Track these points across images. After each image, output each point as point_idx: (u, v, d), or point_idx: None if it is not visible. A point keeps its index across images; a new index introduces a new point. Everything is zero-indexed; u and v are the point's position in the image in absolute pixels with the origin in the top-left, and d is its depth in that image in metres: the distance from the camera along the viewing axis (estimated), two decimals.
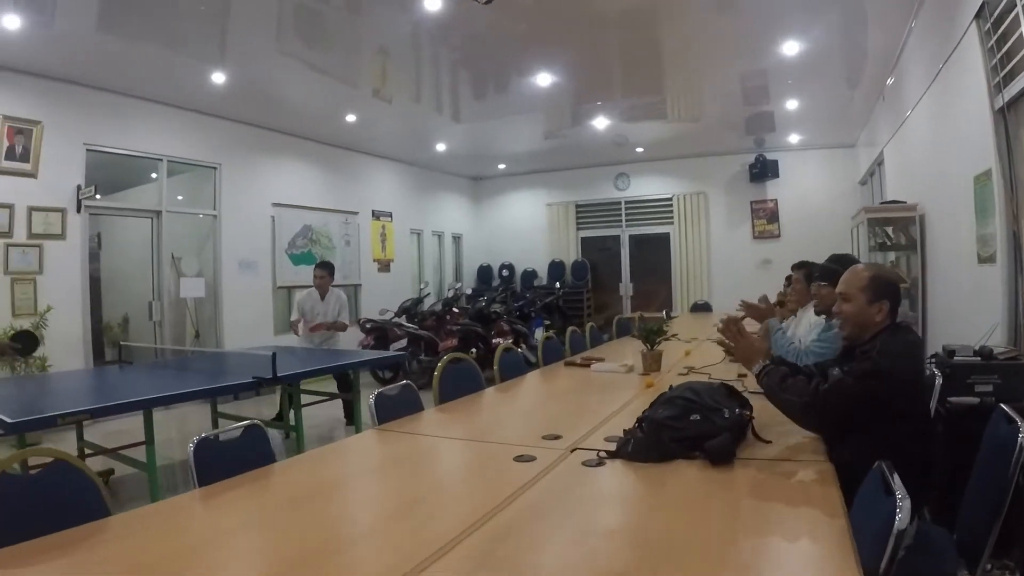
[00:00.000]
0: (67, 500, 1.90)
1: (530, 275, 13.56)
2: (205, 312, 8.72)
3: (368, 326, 9.62)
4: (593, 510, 1.86)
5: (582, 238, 13.59)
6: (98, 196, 6.93)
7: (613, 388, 3.64)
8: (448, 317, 10.02)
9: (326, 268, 6.78)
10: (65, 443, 5.24)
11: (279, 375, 4.55)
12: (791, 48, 6.52)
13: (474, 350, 9.47)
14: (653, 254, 12.90)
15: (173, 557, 1.59)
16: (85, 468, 2.00)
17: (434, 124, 9.83)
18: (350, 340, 9.55)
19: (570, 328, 5.78)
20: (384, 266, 11.72)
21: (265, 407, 6.60)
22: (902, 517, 1.25)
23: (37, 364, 6.15)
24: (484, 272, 14.04)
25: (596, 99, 8.65)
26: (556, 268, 13.33)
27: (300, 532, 1.74)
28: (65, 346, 6.61)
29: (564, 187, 13.56)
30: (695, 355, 4.60)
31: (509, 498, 1.88)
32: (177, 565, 1.54)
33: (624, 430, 2.48)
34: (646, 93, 8.44)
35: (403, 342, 9.40)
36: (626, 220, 13.20)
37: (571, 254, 13.46)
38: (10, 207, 6.31)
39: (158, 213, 8.01)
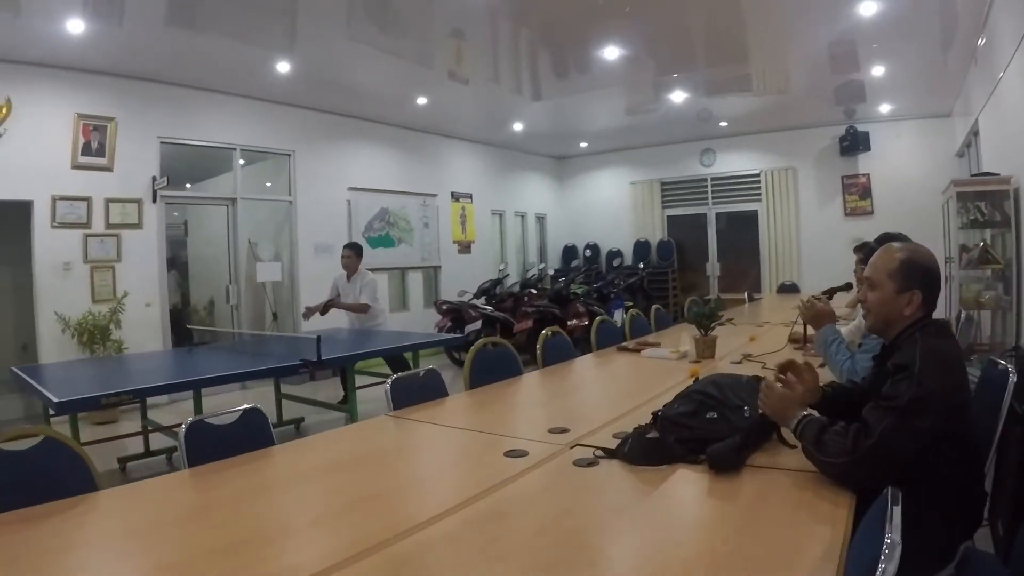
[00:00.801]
0: (55, 476, 1.93)
1: (615, 255, 13.20)
2: (283, 296, 8.88)
3: (444, 307, 9.57)
4: (556, 517, 1.62)
5: (667, 216, 13.08)
6: (187, 186, 7.09)
7: (656, 376, 3.35)
8: (526, 298, 9.86)
9: (352, 248, 6.65)
10: (136, 421, 5.43)
11: (324, 359, 4.49)
12: (868, 8, 5.92)
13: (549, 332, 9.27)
14: (741, 233, 12.26)
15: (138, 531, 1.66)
16: (74, 445, 2.02)
17: (512, 103, 9.63)
18: (426, 322, 9.53)
19: (631, 310, 5.48)
20: (464, 247, 11.66)
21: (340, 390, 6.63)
22: (886, 569, 0.96)
23: (113, 347, 6.37)
24: (569, 252, 13.79)
25: (674, 71, 8.20)
26: (641, 248, 12.89)
27: (238, 521, 1.70)
28: (143, 329, 6.89)
29: (648, 164, 13.07)
30: (762, 340, 4.21)
31: (472, 499, 1.70)
32: (147, 536, 1.62)
33: (637, 425, 2.22)
34: (728, 63, 7.93)
35: (478, 324, 9.31)
36: (712, 197, 12.60)
37: (656, 233, 12.98)
38: (88, 200, 6.60)
39: (233, 200, 8.20)
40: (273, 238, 9.00)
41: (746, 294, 8.20)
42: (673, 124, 11.07)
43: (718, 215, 12.59)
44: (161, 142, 7.29)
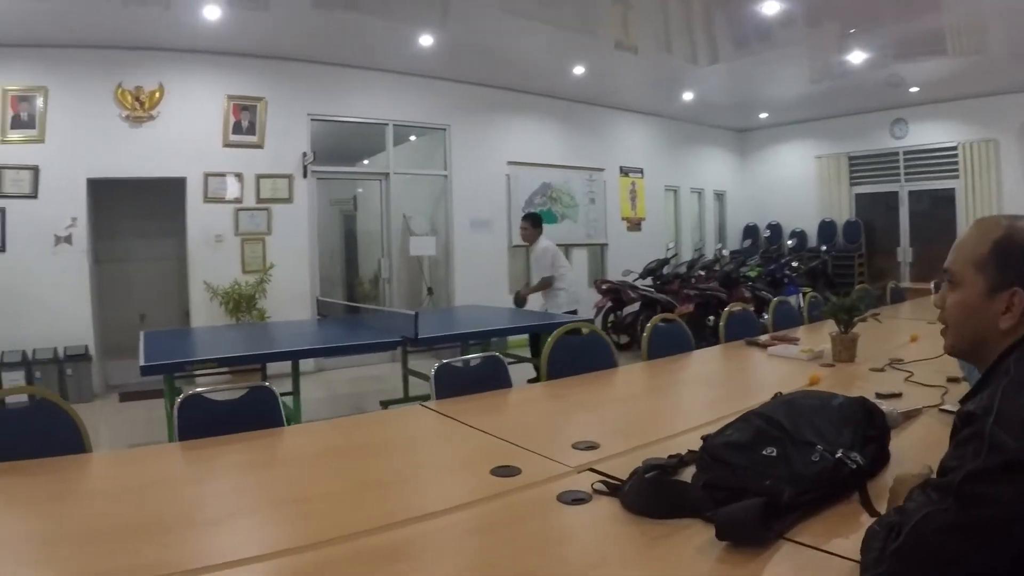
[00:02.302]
0: (47, 434, 1.97)
1: (798, 236, 11.93)
2: (439, 271, 8.86)
3: (604, 287, 9.12)
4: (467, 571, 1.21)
5: (856, 194, 11.63)
6: (365, 162, 7.18)
7: (769, 381, 2.71)
8: (693, 280, 9.16)
9: (527, 219, 6.32)
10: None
11: (420, 336, 4.25)
12: None
13: (712, 317, 8.55)
14: (937, 213, 10.63)
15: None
16: (67, 407, 2.04)
17: (680, 70, 8.83)
18: (592, 301, 9.06)
19: (775, 299, 4.70)
20: (634, 225, 11.01)
21: None
22: None
23: (257, 315, 6.66)
24: (750, 232, 12.74)
25: (852, 26, 7.04)
26: (826, 228, 11.58)
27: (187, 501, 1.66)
28: (291, 300, 7.09)
29: (835, 137, 11.68)
30: (925, 341, 3.32)
31: (387, 527, 1.37)
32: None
33: (683, 452, 1.68)
34: (915, 16, 6.68)
35: (636, 305, 8.78)
36: (905, 174, 11.02)
37: (843, 213, 11.57)
38: (239, 175, 6.94)
39: (386, 175, 8.26)
40: (429, 213, 8.97)
41: (933, 284, 6.95)
42: (860, 91, 9.74)
43: (911, 193, 11.02)
44: (311, 119, 7.48)
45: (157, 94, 6.47)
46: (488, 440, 2.00)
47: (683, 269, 9.85)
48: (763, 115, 11.90)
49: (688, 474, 1.56)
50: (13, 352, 5.85)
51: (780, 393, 1.80)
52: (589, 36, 7.20)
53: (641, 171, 11.06)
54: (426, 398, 5.64)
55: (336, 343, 4.42)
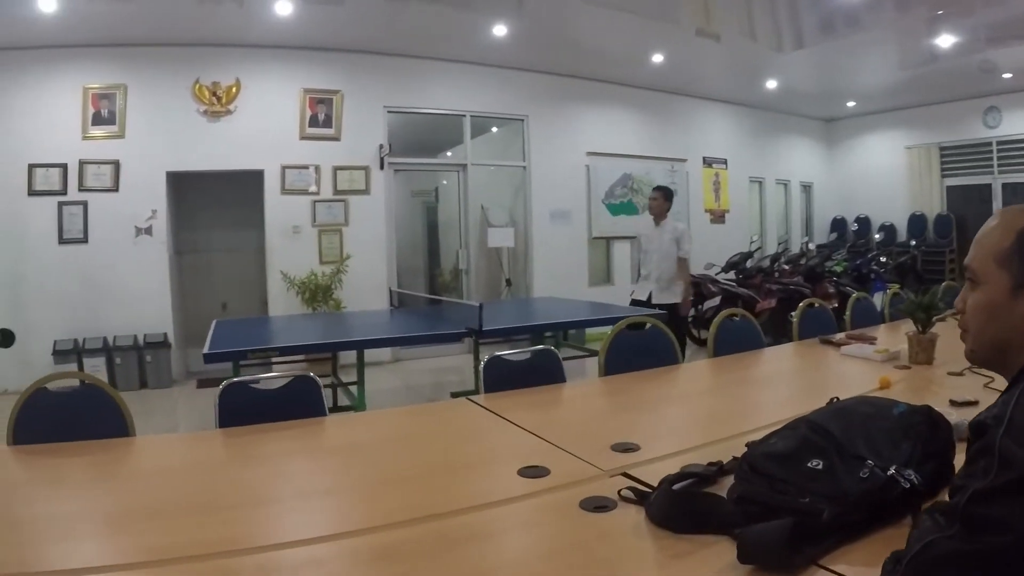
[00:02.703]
0: (94, 419, 2.06)
1: (887, 229, 11.42)
2: (518, 262, 8.85)
3: None
4: None
5: (947, 187, 11.01)
6: (448, 153, 7.43)
7: (836, 382, 2.62)
8: (776, 274, 8.82)
9: (660, 190, 6.00)
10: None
11: (486, 328, 4.22)
12: None
13: (794, 313, 8.22)
14: None
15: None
16: (113, 393, 2.13)
17: (763, 57, 8.48)
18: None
19: (855, 295, 4.44)
20: (717, 217, 10.72)
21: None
22: None
23: (333, 305, 6.82)
24: (838, 225, 12.25)
25: (939, 7, 6.59)
26: (916, 222, 11.03)
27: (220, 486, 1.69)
28: (367, 290, 7.18)
29: (925, 126, 11.07)
30: None
31: (392, 525, 1.33)
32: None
33: (725, 459, 1.57)
34: None
35: (717, 299, 8.53)
36: (998, 165, 10.34)
37: (934, 206, 10.99)
38: (316, 167, 7.10)
39: (463, 166, 8.28)
40: (508, 204, 8.96)
41: None
42: (951, 78, 9.22)
43: (1004, 186, 10.32)
44: (388, 111, 7.56)
45: (234, 89, 6.69)
46: (524, 438, 1.94)
47: (766, 263, 9.51)
48: (851, 104, 11.39)
49: (727, 484, 1.45)
50: (95, 339, 6.17)
51: (836, 398, 1.66)
52: (669, 23, 6.99)
53: (724, 162, 10.78)
54: None
55: (401, 334, 4.46)
